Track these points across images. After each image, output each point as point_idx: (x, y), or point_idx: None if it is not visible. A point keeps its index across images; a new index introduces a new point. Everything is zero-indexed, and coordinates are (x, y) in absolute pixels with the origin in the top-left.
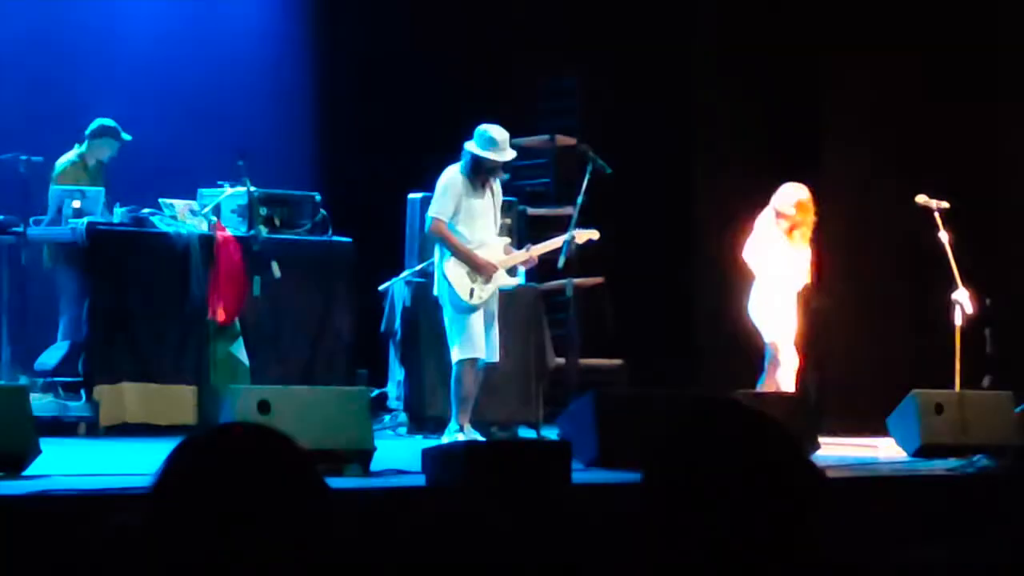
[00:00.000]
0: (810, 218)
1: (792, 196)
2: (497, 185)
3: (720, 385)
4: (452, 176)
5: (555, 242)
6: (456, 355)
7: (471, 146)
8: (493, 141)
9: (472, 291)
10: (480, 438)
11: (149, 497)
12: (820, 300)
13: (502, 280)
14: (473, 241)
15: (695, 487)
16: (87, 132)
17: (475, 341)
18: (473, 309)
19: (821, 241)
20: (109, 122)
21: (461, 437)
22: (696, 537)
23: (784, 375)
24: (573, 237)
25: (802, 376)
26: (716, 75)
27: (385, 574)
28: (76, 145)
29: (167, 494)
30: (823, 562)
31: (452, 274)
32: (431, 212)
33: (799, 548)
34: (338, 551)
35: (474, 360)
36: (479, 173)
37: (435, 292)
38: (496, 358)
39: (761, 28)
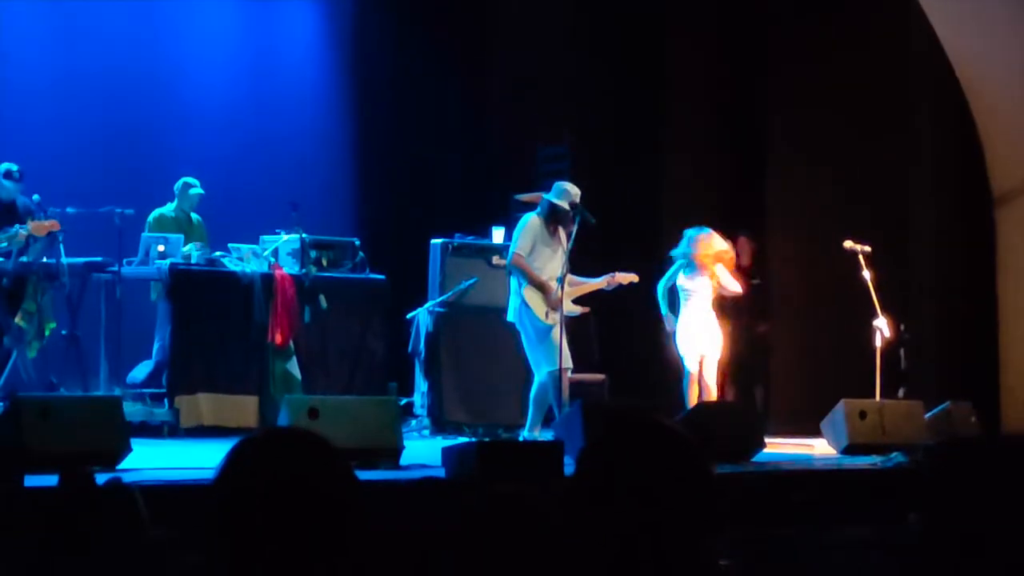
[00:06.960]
0: None
1: None
2: (563, 230)
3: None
4: (531, 221)
5: (596, 283)
6: (545, 368)
7: (552, 197)
8: (568, 193)
9: (547, 312)
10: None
11: (211, 487)
12: (764, 326)
13: (567, 308)
14: (545, 275)
15: (605, 488)
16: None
17: (559, 354)
18: (550, 328)
19: (770, 279)
20: (187, 179)
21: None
22: (605, 533)
23: None
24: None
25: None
26: (681, 145)
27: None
28: (170, 202)
29: (226, 484)
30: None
31: (531, 298)
32: (514, 249)
33: (698, 548)
34: (367, 533)
35: (561, 370)
36: (553, 219)
37: (510, 318)
38: (571, 364)
39: (719, 103)
